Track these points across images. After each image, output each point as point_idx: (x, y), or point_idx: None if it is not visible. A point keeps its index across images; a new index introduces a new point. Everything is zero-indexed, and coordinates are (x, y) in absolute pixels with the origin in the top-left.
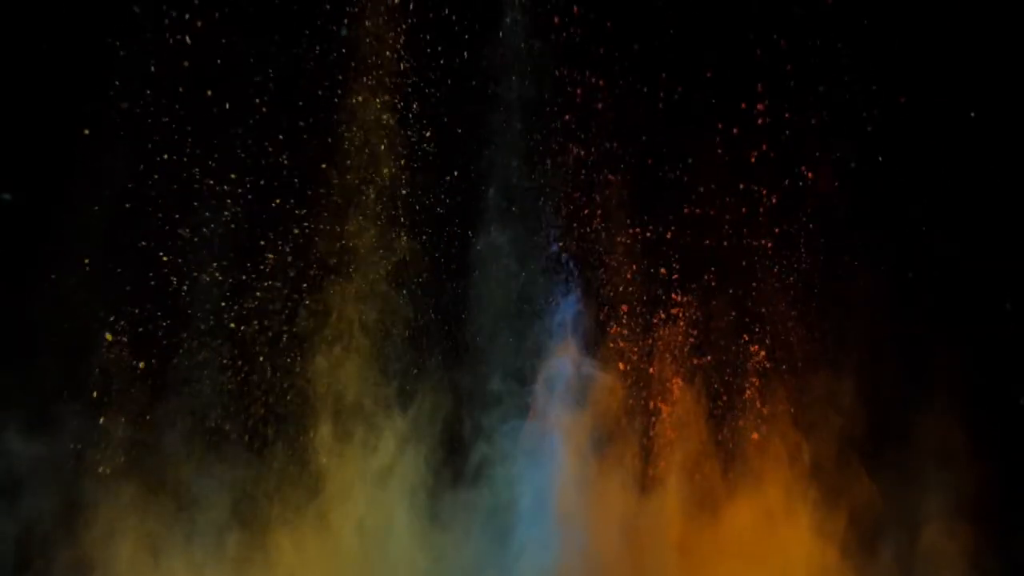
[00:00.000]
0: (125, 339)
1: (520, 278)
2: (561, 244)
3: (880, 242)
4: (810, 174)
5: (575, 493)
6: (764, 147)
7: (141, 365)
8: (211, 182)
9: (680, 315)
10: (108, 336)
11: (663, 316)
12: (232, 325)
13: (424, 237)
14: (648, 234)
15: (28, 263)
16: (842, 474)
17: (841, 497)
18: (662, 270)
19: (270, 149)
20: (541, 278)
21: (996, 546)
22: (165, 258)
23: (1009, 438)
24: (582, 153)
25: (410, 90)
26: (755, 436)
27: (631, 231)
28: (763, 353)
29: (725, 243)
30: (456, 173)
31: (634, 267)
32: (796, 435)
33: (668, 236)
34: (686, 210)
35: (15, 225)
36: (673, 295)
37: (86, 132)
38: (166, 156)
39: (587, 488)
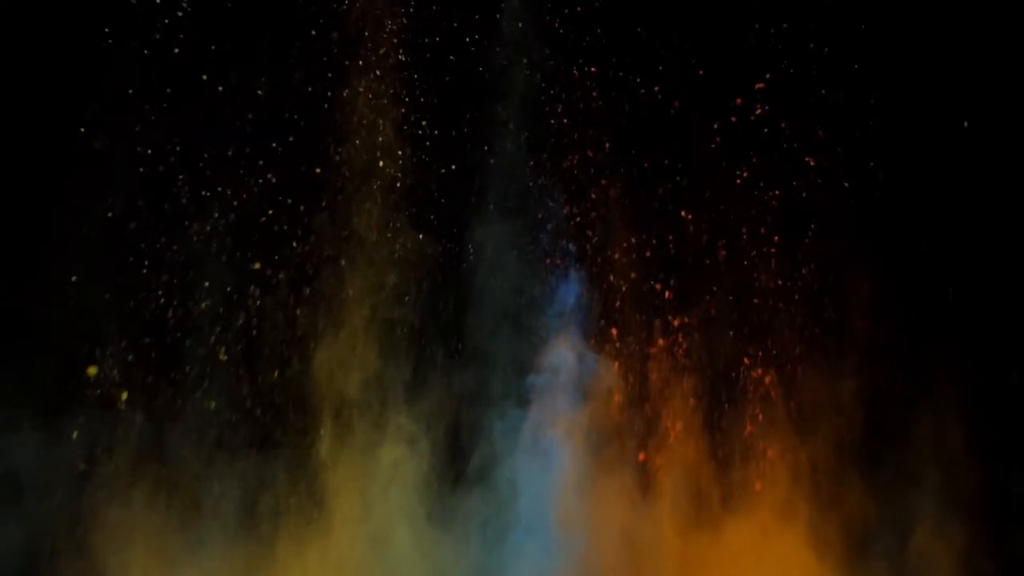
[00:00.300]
0: (128, 344)
1: (520, 273)
2: (561, 240)
3: (882, 248)
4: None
5: (575, 498)
6: (763, 152)
7: (142, 374)
8: (210, 182)
9: (679, 328)
10: (91, 370)
11: (662, 321)
12: (237, 327)
13: (425, 235)
14: (648, 253)
15: (28, 263)
16: (840, 481)
17: (839, 502)
18: (657, 285)
19: (261, 163)
20: (542, 271)
21: (992, 547)
22: (169, 259)
23: (1006, 438)
24: (577, 159)
25: (407, 86)
26: (755, 453)
27: (628, 242)
28: (762, 372)
29: (724, 253)
30: (454, 168)
31: (632, 275)
32: (795, 442)
33: (669, 246)
34: (683, 213)
35: (15, 225)
36: (670, 316)
37: (82, 131)
38: (163, 157)
39: (587, 493)
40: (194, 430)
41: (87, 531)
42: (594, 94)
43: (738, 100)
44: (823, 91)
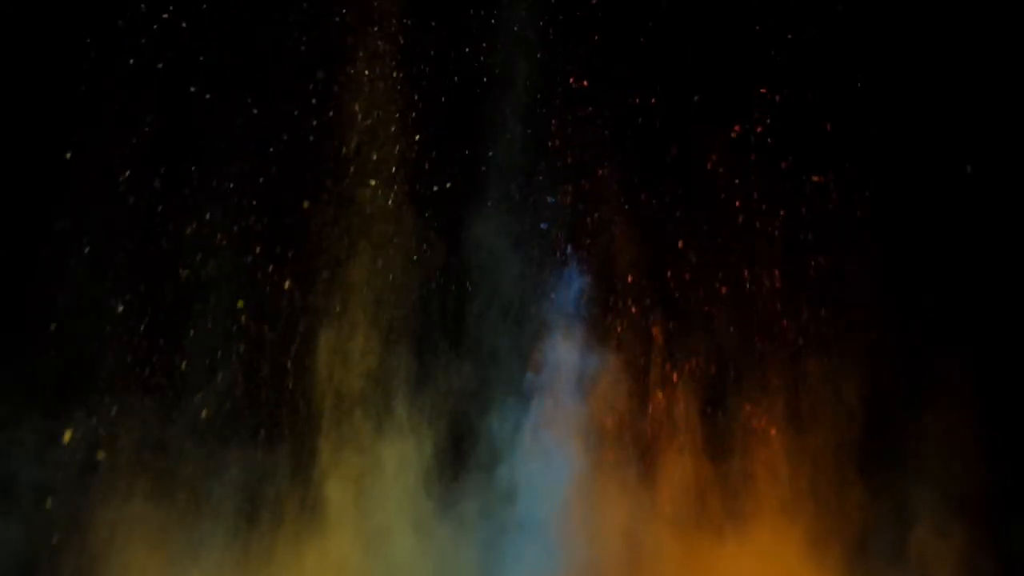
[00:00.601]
0: (128, 341)
1: (522, 270)
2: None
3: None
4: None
5: (575, 497)
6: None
7: (143, 372)
8: (213, 181)
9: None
10: (67, 436)
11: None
12: (239, 321)
13: (427, 233)
14: (648, 297)
15: (28, 263)
16: (840, 481)
17: (839, 502)
18: (655, 328)
19: (258, 176)
20: (543, 271)
21: (993, 546)
22: (169, 258)
23: (1007, 437)
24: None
25: (407, 85)
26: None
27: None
28: (760, 400)
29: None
30: (454, 173)
31: (633, 310)
32: (796, 443)
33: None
34: (681, 245)
35: (15, 225)
36: (668, 358)
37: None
38: (163, 159)
39: (588, 493)
40: (194, 429)
41: (87, 531)
42: (589, 109)
43: (736, 128)
44: (828, 124)
